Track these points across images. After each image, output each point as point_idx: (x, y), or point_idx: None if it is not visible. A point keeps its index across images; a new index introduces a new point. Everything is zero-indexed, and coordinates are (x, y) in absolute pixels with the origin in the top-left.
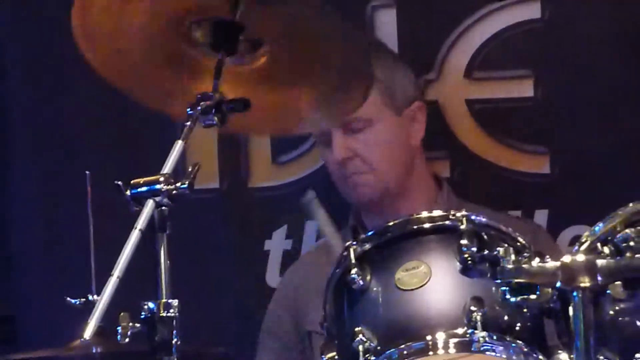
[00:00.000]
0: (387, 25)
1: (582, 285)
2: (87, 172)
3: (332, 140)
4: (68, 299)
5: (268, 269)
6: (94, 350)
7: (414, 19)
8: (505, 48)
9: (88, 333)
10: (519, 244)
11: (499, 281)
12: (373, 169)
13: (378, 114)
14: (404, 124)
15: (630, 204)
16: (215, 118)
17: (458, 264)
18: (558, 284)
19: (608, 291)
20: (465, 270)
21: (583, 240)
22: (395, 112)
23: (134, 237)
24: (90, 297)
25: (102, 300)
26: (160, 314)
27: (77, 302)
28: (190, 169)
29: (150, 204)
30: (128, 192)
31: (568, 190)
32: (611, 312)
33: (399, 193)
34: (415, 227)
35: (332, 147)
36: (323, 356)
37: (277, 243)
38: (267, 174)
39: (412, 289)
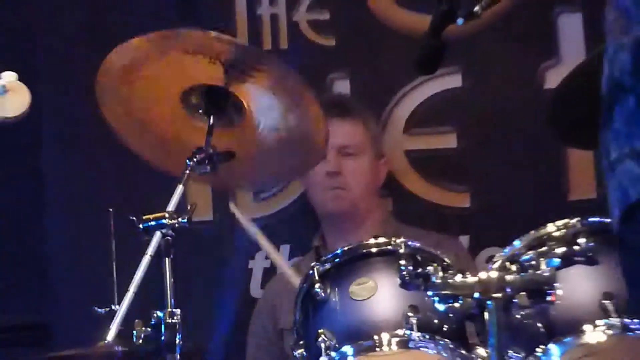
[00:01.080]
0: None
1: (494, 295)
2: (110, 209)
3: (328, 155)
4: (95, 308)
5: (252, 283)
6: (116, 349)
7: (363, 87)
8: (434, 109)
9: (110, 336)
10: (445, 263)
11: (430, 293)
12: (350, 188)
13: (366, 150)
14: (376, 167)
15: (532, 232)
16: (208, 167)
17: (398, 279)
18: (476, 295)
19: (515, 300)
20: (404, 285)
21: (495, 260)
22: (376, 154)
23: (145, 261)
24: (112, 307)
25: (121, 310)
26: (167, 321)
27: (103, 311)
28: (189, 207)
29: (157, 235)
30: (140, 226)
31: (484, 220)
32: (517, 316)
33: (361, 213)
34: (364, 250)
35: (326, 161)
36: (294, 352)
37: (258, 263)
38: (249, 209)
39: (362, 300)
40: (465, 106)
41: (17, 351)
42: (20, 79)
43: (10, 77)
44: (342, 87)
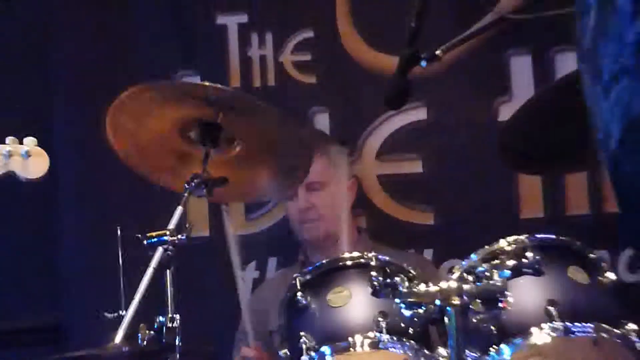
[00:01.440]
0: (322, 124)
1: (453, 302)
2: (118, 227)
3: (298, 194)
4: (105, 313)
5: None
6: (123, 350)
7: (340, 119)
8: (403, 139)
9: (118, 338)
10: (411, 274)
11: (397, 300)
12: (322, 218)
13: (330, 180)
14: (344, 190)
15: (486, 247)
16: (204, 191)
17: (370, 288)
18: (437, 302)
19: (471, 306)
20: (375, 293)
21: (454, 271)
22: (342, 180)
23: (149, 272)
24: (120, 312)
25: (128, 316)
26: (168, 325)
27: (111, 316)
28: (187, 226)
29: (160, 250)
30: (145, 242)
31: (446, 236)
32: (474, 321)
33: (336, 235)
34: (340, 263)
35: (297, 200)
36: (279, 351)
37: (248, 273)
38: (241, 227)
39: (338, 306)
40: (429, 136)
41: (34, 351)
42: (34, 110)
43: (31, 143)
44: (322, 119)
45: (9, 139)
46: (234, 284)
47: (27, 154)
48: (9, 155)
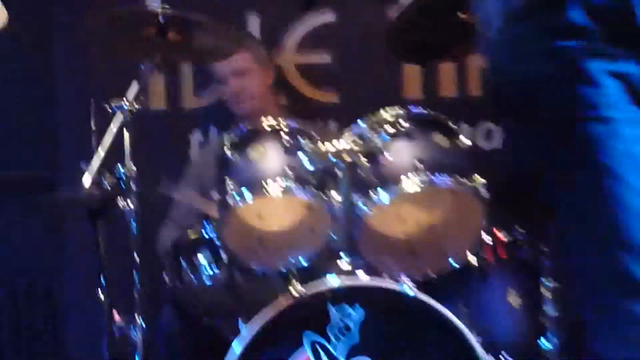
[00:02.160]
0: (253, 26)
1: (345, 159)
2: (92, 99)
3: (228, 80)
4: (82, 162)
5: (191, 149)
6: (94, 192)
7: (269, 20)
8: (317, 36)
9: (87, 183)
10: (314, 137)
11: (302, 156)
12: (250, 96)
13: (253, 67)
14: (265, 74)
15: (370, 115)
16: (156, 69)
17: (281, 147)
18: (332, 158)
19: (357, 162)
20: (286, 151)
21: (346, 134)
22: (262, 67)
23: (112, 132)
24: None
25: (94, 165)
26: (126, 173)
27: (86, 165)
28: (141, 98)
29: (119, 115)
30: (109, 108)
31: (347, 110)
32: (360, 173)
33: (261, 110)
34: (261, 128)
35: (228, 84)
36: (213, 196)
37: (196, 137)
38: (190, 102)
39: (256, 160)
40: (337, 34)
41: (31, 196)
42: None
43: None
44: (254, 22)
45: None
46: (183, 144)
47: None
48: None
